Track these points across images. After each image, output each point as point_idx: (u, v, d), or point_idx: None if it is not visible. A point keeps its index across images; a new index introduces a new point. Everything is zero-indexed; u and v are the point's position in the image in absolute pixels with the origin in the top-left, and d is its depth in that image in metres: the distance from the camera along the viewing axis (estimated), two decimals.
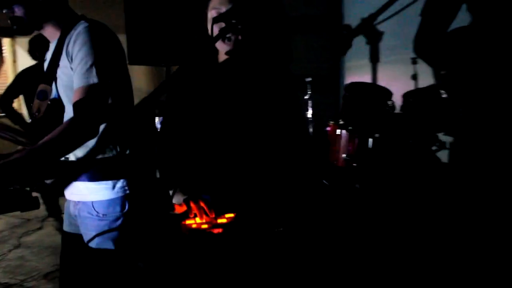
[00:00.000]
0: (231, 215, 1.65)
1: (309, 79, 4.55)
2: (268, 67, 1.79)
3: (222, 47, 1.75)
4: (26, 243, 4.40)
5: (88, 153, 1.77)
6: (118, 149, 1.82)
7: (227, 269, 1.54)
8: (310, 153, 1.92)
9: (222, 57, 1.80)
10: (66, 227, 1.98)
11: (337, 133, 3.28)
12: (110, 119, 1.71)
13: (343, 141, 3.22)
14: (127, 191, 1.83)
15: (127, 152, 1.83)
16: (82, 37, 1.67)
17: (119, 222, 1.81)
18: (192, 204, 1.64)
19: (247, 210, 1.67)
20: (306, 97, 4.56)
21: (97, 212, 1.80)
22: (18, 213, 2.15)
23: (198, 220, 1.63)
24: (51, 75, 1.77)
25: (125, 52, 1.86)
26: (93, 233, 1.80)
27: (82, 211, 1.84)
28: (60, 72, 1.77)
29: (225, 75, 1.78)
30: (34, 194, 1.58)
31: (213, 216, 1.63)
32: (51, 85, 1.78)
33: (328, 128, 4.28)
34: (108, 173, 1.80)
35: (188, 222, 1.62)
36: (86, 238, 1.85)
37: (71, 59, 1.70)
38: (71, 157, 1.81)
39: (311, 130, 4.56)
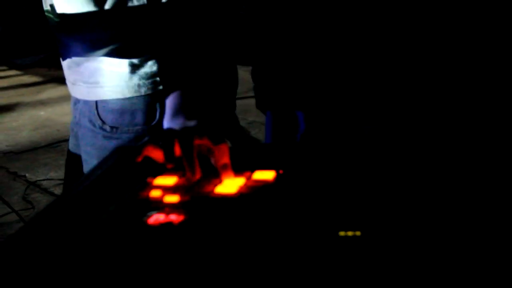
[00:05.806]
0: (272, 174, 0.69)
1: None
2: None
3: None
4: None
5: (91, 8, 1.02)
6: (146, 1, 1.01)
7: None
8: None
9: None
10: (70, 146, 1.20)
11: None
12: None
13: None
14: (160, 86, 1.02)
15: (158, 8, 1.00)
16: None
17: (139, 143, 1.00)
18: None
19: None
20: None
21: (102, 121, 1.04)
22: None
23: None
24: None
25: None
26: (94, 161, 0.97)
27: (83, 117, 1.08)
28: None
29: None
30: None
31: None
32: None
33: None
34: (124, 46, 1.01)
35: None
36: (84, 167, 1.09)
37: None
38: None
39: None
